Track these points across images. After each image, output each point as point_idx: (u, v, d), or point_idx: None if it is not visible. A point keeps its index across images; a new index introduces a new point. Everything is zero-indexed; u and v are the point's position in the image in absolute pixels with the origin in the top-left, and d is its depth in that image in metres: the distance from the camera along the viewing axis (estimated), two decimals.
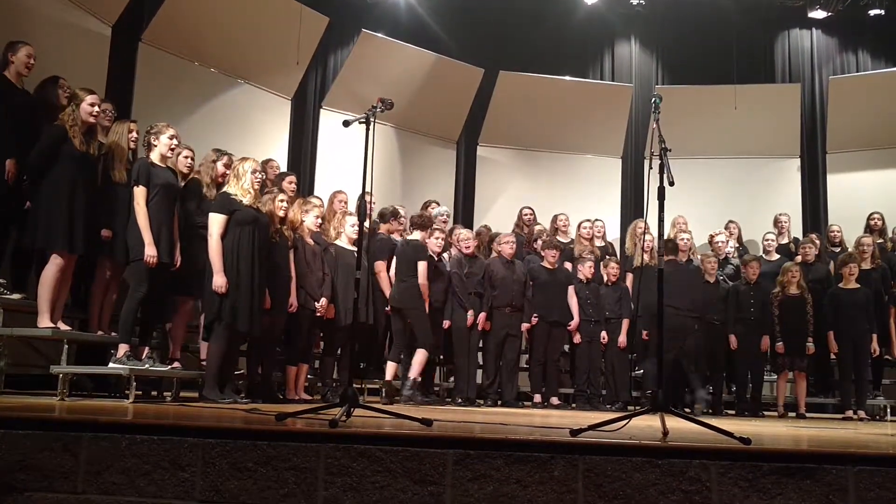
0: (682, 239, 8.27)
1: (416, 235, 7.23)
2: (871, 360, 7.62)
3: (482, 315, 7.40)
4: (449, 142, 11.40)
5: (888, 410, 7.94)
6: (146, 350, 5.58)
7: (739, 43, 11.32)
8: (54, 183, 5.16)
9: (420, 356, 6.94)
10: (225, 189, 5.62)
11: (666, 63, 11.83)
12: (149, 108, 7.62)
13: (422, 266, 6.97)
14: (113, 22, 7.83)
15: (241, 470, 2.66)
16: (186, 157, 5.89)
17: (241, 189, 5.53)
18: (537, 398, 7.74)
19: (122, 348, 5.14)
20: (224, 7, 8.91)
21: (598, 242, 8.73)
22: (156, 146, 5.45)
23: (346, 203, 7.38)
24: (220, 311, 5.32)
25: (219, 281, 5.30)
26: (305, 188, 9.11)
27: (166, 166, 5.52)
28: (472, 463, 2.53)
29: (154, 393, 6.14)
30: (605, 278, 7.99)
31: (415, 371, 6.94)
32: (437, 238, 7.32)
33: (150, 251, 5.16)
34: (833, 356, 7.75)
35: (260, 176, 5.74)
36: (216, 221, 5.42)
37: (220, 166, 5.99)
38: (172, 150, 5.57)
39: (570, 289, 7.84)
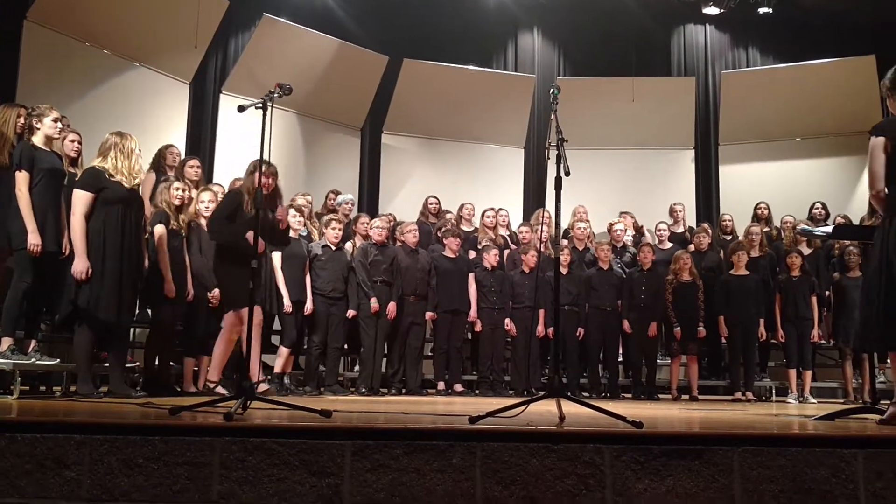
0: (580, 228, 8.47)
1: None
2: (758, 344, 7.98)
3: (391, 304, 7.38)
4: (353, 129, 11.30)
5: (773, 391, 8.34)
6: (33, 343, 5.31)
7: (638, 37, 11.66)
8: None
9: (283, 351, 6.94)
10: (94, 164, 5.10)
11: (567, 55, 12.06)
12: (35, 92, 7.24)
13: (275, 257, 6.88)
14: None
15: (131, 467, 2.57)
16: (73, 142, 5.62)
17: (128, 168, 5.04)
18: (441, 385, 7.79)
19: (6, 342, 4.88)
20: None
21: (502, 231, 8.83)
22: (39, 129, 5.12)
23: None
24: (81, 298, 4.86)
25: (79, 265, 4.82)
26: (205, 175, 8.85)
27: (52, 150, 5.23)
28: (370, 453, 2.52)
29: (43, 388, 5.87)
30: (525, 267, 8.02)
31: (278, 365, 6.90)
32: (334, 228, 7.25)
33: (33, 239, 4.88)
34: (724, 340, 8.09)
35: (136, 151, 5.17)
36: (81, 199, 4.91)
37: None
38: (58, 133, 5.27)
39: (471, 277, 7.90)
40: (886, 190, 3.51)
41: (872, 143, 3.54)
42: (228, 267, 5.55)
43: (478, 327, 7.90)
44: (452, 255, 7.89)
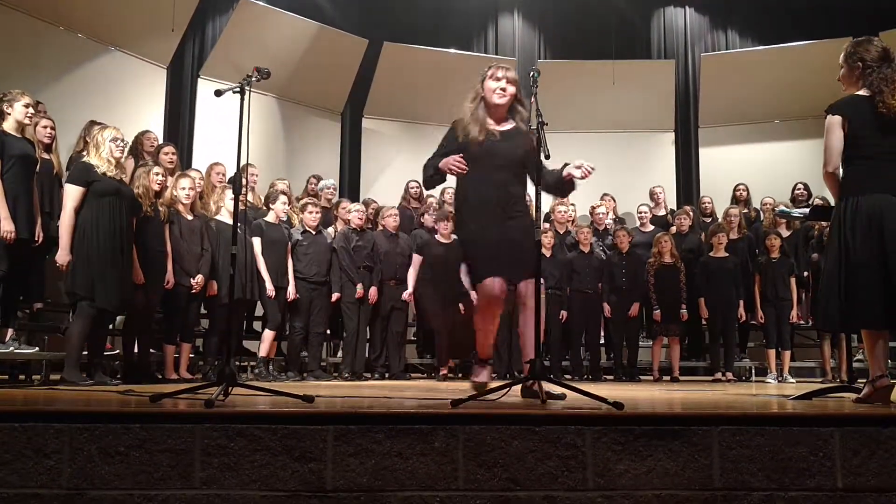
0: (560, 211, 8.47)
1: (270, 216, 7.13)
2: (737, 325, 8.05)
3: (373, 289, 7.37)
4: (333, 113, 11.24)
5: (752, 371, 8.43)
6: (10, 332, 5.26)
7: (618, 19, 11.64)
8: None
9: (268, 335, 6.95)
10: (84, 159, 5.23)
11: (547, 38, 12.03)
12: (7, 76, 7.11)
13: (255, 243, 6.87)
14: None
15: (111, 455, 2.56)
16: (46, 128, 5.54)
17: (101, 158, 5.15)
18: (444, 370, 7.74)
19: None
20: None
21: None
22: (9, 114, 5.05)
23: (223, 175, 7.17)
24: (77, 286, 4.96)
25: (62, 257, 4.96)
26: (183, 161, 8.77)
27: (23, 137, 5.16)
28: (353, 438, 2.51)
29: (22, 377, 5.82)
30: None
31: (263, 350, 6.90)
32: (310, 213, 7.22)
33: (6, 226, 4.83)
34: (704, 321, 8.15)
35: (121, 144, 5.35)
36: (72, 193, 5.03)
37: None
38: (29, 119, 5.20)
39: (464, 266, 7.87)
40: (841, 170, 3.54)
41: (829, 121, 3.55)
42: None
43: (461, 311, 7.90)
44: (445, 240, 7.71)
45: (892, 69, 3.56)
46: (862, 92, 3.59)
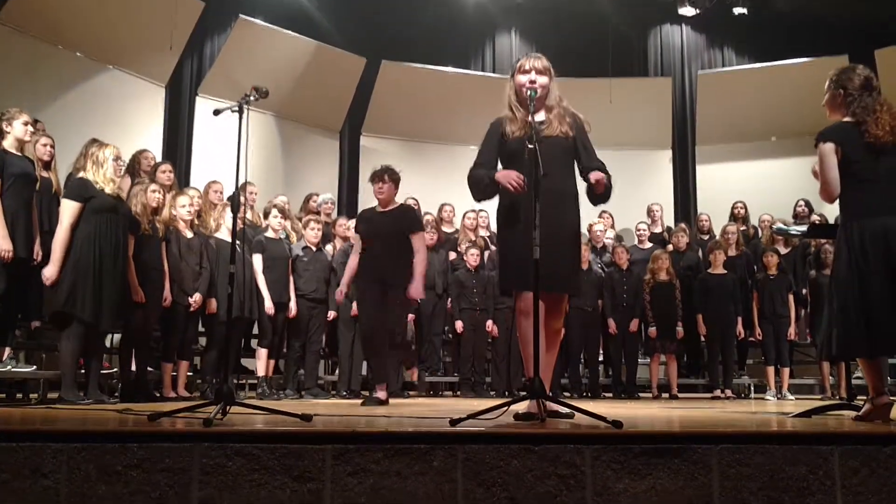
0: None
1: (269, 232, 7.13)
2: (736, 342, 8.04)
3: None
4: (332, 132, 11.27)
5: (752, 389, 8.41)
6: (8, 351, 5.25)
7: (615, 38, 11.71)
8: None
9: (262, 353, 6.92)
10: (82, 175, 5.20)
11: (545, 56, 12.05)
12: (6, 95, 7.16)
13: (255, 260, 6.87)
14: None
15: (109, 474, 2.54)
16: (45, 146, 5.55)
17: (100, 176, 5.10)
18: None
19: None
20: None
21: (482, 232, 8.84)
22: (9, 132, 5.07)
23: (221, 193, 7.17)
24: (72, 303, 4.88)
25: (49, 272, 4.85)
26: (182, 179, 8.79)
27: (23, 155, 5.17)
28: (351, 457, 2.51)
29: (19, 395, 5.80)
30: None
31: (261, 368, 6.88)
32: (312, 229, 7.22)
33: (4, 245, 4.83)
34: (702, 338, 8.15)
35: (121, 164, 5.38)
36: (68, 209, 4.97)
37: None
38: (29, 136, 5.21)
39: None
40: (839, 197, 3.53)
41: (823, 149, 3.51)
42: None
43: (459, 328, 7.89)
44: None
45: (874, 98, 3.55)
46: (847, 119, 3.59)
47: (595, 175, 3.57)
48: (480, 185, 3.74)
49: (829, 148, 3.52)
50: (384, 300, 5.64)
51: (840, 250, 3.55)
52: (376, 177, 6.13)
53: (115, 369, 6.12)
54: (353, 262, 5.98)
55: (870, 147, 3.47)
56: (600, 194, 3.72)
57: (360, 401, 6.65)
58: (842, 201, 3.55)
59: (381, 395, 5.56)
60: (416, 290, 5.71)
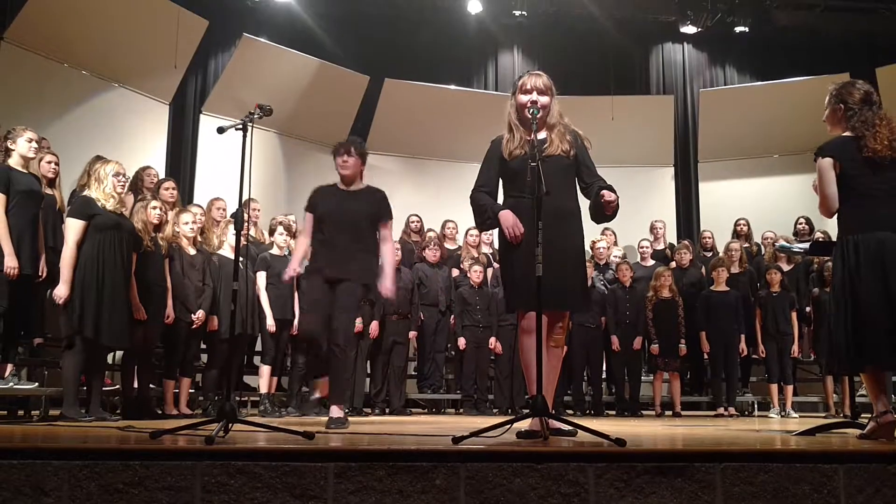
0: None
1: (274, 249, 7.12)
2: (739, 360, 8.02)
3: (374, 323, 7.36)
4: None
5: (755, 406, 8.38)
6: (10, 367, 5.25)
7: (617, 56, 11.77)
8: None
9: (265, 370, 6.88)
10: (85, 193, 5.24)
11: (547, 74, 12.08)
12: (12, 113, 7.17)
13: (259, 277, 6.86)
14: None
15: (111, 492, 2.54)
16: (50, 163, 5.58)
17: (103, 193, 5.14)
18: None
19: None
20: (95, 6, 8.54)
21: (485, 249, 8.85)
22: (13, 150, 5.11)
23: (224, 211, 7.19)
24: (75, 321, 4.91)
25: (61, 291, 4.88)
26: (185, 196, 8.83)
27: (29, 172, 5.20)
28: (353, 475, 2.50)
29: (21, 412, 5.79)
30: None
31: (263, 386, 6.85)
32: None
33: (10, 262, 4.85)
34: (706, 356, 8.12)
35: (123, 179, 5.35)
36: (73, 227, 5.01)
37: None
38: (34, 153, 5.24)
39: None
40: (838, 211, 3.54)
41: (821, 165, 3.53)
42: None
43: (462, 345, 7.88)
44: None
45: (873, 112, 3.57)
46: (847, 133, 3.61)
47: (610, 195, 3.56)
48: (483, 216, 3.74)
49: (827, 163, 3.54)
50: (332, 297, 4.61)
51: (836, 265, 3.57)
52: (341, 147, 5.12)
53: (117, 386, 6.11)
54: (303, 242, 4.93)
55: (868, 161, 3.48)
56: (609, 214, 3.70)
57: (363, 418, 6.64)
58: (839, 216, 3.56)
59: (338, 413, 4.56)
60: (388, 286, 4.78)
